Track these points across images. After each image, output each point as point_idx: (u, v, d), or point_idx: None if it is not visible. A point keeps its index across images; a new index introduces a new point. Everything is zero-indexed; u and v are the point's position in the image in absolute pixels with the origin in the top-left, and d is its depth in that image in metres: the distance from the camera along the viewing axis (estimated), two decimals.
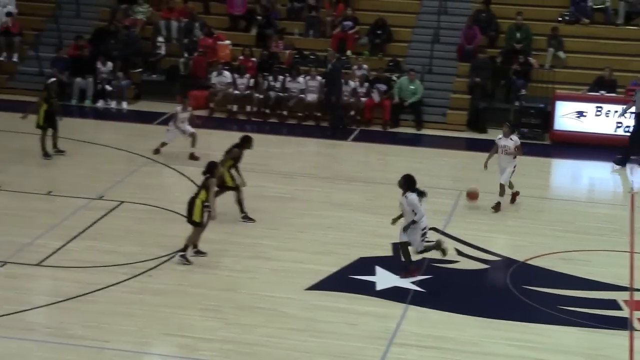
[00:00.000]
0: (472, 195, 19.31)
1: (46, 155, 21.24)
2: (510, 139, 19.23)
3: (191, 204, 16.21)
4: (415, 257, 16.19)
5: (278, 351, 13.62)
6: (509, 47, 26.45)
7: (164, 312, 14.62)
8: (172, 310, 14.68)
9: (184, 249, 16.32)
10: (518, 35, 26.54)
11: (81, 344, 13.53)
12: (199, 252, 16.54)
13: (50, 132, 21.34)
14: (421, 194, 15.92)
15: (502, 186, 19.23)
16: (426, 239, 16.10)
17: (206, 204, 16.15)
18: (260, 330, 14.19)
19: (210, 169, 16.44)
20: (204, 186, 16.21)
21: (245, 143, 18.50)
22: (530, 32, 26.67)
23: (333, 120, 25.10)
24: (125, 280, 15.61)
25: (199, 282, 15.73)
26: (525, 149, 20.01)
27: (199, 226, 16.29)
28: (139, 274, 15.88)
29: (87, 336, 13.69)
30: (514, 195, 19.74)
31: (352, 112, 25.45)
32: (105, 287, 15.33)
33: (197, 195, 16.22)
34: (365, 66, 26.31)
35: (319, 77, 25.78)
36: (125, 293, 15.20)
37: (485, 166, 19.37)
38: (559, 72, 25.93)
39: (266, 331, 14.16)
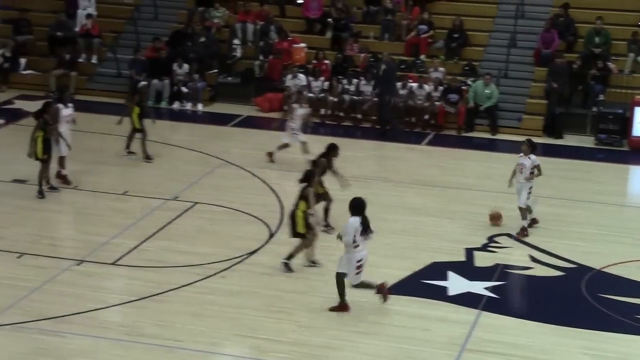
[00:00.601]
0: (494, 217, 18.50)
1: (148, 158, 21.50)
2: (529, 157, 17.96)
3: (293, 217, 16.07)
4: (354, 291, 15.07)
5: (349, 355, 13.59)
6: (588, 52, 26.07)
7: (236, 313, 14.68)
8: (244, 311, 14.73)
9: (289, 257, 16.20)
10: (597, 40, 26.14)
11: (153, 343, 13.64)
12: (313, 263, 16.40)
13: (137, 134, 21.51)
14: (365, 229, 14.47)
15: (521, 210, 18.01)
16: (361, 275, 14.71)
17: (310, 212, 16.06)
18: (331, 333, 14.16)
19: (308, 177, 16.36)
20: (303, 196, 16.10)
21: (332, 151, 18.47)
22: (609, 37, 26.26)
23: (383, 120, 25.01)
24: (198, 281, 15.71)
25: (271, 284, 15.75)
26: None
27: (304, 237, 16.18)
28: (212, 275, 15.96)
29: (159, 335, 13.80)
30: (532, 222, 18.34)
31: (427, 116, 25.31)
32: (178, 287, 15.44)
33: (296, 206, 16.08)
34: (441, 69, 26.14)
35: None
36: (197, 293, 15.30)
37: (509, 184, 18.24)
38: (638, 77, 25.49)
39: (337, 334, 14.13)
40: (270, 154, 21.76)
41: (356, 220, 14.39)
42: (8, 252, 16.53)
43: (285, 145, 21.80)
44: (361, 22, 28.44)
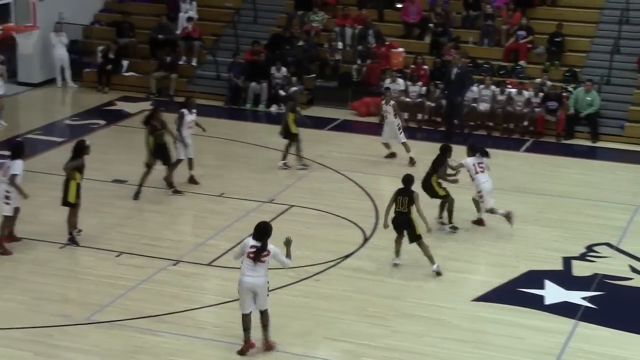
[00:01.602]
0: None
1: (304, 165, 21.61)
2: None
3: (409, 222, 16.18)
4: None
5: None
6: None
7: (330, 316, 14.68)
8: (338, 315, 14.72)
9: (432, 262, 16.24)
10: None
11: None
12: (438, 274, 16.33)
13: (288, 141, 21.65)
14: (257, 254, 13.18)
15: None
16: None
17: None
18: (425, 339, 14.07)
19: (409, 181, 16.31)
20: (411, 201, 16.11)
21: (447, 152, 18.45)
22: None
23: (450, 123, 24.78)
24: (292, 284, 15.75)
25: (365, 288, 15.72)
26: None
27: (419, 239, 16.25)
28: (306, 278, 15.99)
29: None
30: (479, 221, 18.42)
31: (526, 123, 24.98)
32: (272, 290, 15.43)
33: (409, 211, 16.13)
34: (546, 75, 25.74)
35: (492, 87, 25.43)
36: (291, 296, 15.34)
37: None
38: None
39: (431, 341, 14.03)
40: (411, 160, 21.84)
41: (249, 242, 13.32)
42: (108, 251, 16.82)
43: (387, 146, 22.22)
44: (460, 27, 28.22)
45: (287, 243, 13.60)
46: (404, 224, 16.22)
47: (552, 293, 15.69)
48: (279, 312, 14.68)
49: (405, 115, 25.51)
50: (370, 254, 16.97)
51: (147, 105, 26.13)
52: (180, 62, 28.18)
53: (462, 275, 16.28)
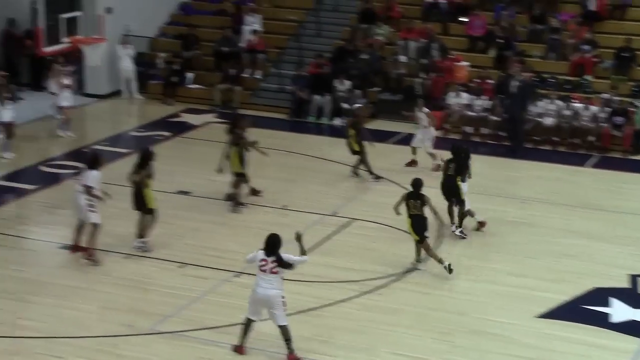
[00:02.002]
0: None
1: (376, 177, 21.68)
2: None
3: (425, 222, 16.77)
4: None
5: None
6: None
7: (393, 331, 14.62)
8: (401, 329, 14.66)
9: (441, 262, 16.59)
10: None
11: (310, 358, 13.69)
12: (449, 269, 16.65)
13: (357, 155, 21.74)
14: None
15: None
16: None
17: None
18: (489, 356, 13.95)
19: (420, 185, 16.90)
20: (424, 203, 16.73)
21: (469, 156, 18.93)
22: None
23: (514, 136, 24.53)
24: (355, 297, 15.71)
25: (428, 303, 15.64)
26: None
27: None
28: (369, 292, 15.95)
29: (316, 350, 13.85)
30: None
31: (592, 138, 24.71)
32: (335, 303, 15.48)
33: (423, 213, 16.73)
34: (613, 90, 25.45)
35: (558, 101, 25.21)
36: (355, 310, 15.30)
37: None
38: None
39: (495, 357, 13.91)
40: (437, 167, 21.74)
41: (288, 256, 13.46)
42: (172, 262, 16.93)
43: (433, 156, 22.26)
44: (526, 41, 28.02)
45: (298, 238, 13.69)
46: (424, 226, 16.67)
47: (619, 311, 15.47)
48: (342, 325, 14.68)
49: (470, 129, 25.46)
50: (432, 268, 16.87)
51: (211, 117, 26.40)
52: (245, 75, 28.35)
53: (525, 291, 16.12)
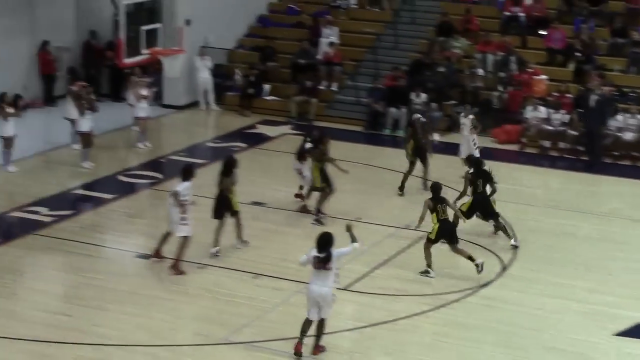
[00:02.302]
0: None
1: (401, 189, 21.58)
2: None
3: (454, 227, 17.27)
4: None
5: None
6: None
7: (465, 346, 14.50)
8: (474, 344, 14.53)
9: (472, 259, 16.81)
10: None
11: None
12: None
13: (420, 167, 21.71)
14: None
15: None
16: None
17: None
18: None
19: (440, 188, 17.14)
20: (447, 205, 17.13)
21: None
22: None
23: (592, 151, 24.16)
24: (428, 311, 15.62)
25: (503, 318, 15.48)
26: None
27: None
28: (442, 306, 15.83)
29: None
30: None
31: None
32: (408, 316, 15.40)
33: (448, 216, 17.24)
34: None
35: (638, 116, 24.81)
36: (428, 324, 15.22)
37: None
38: None
39: None
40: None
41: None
42: (246, 273, 17.00)
43: None
44: (606, 55, 27.63)
45: (349, 229, 14.20)
46: (452, 231, 16.97)
47: None
48: (415, 340, 14.60)
49: (547, 143, 25.18)
50: (508, 284, 16.72)
51: (286, 129, 26.49)
52: (321, 87, 28.40)
53: (605, 308, 15.86)
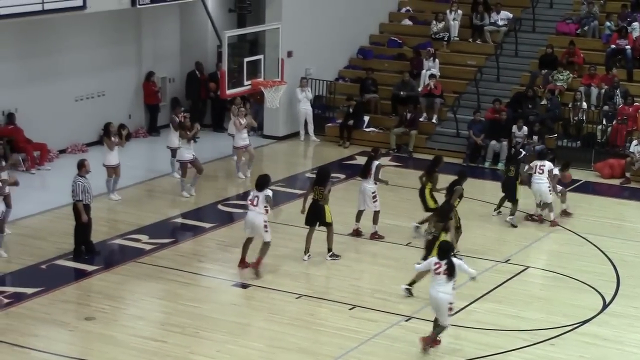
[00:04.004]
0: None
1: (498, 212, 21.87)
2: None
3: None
4: None
5: None
6: None
7: None
8: None
9: None
10: None
11: None
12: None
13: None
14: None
15: None
16: None
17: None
18: None
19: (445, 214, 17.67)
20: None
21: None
22: None
23: None
24: (525, 347, 15.38)
25: (603, 356, 15.19)
26: None
27: None
28: (540, 342, 15.57)
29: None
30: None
31: None
32: (504, 352, 15.19)
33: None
34: None
35: None
36: (524, 359, 14.95)
37: None
38: None
39: None
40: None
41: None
42: (342, 304, 16.97)
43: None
44: None
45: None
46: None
47: None
48: None
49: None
50: (609, 321, 16.37)
51: (386, 161, 26.42)
52: (421, 119, 28.32)
53: None
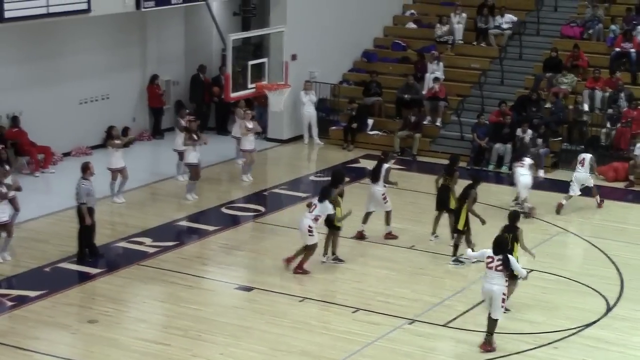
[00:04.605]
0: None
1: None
2: None
3: None
4: None
5: None
6: None
7: None
8: None
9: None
10: None
11: None
12: None
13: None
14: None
15: None
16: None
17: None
18: None
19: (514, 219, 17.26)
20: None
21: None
22: None
23: None
24: (528, 350, 15.37)
25: (605, 358, 15.16)
26: None
27: None
28: (543, 345, 15.55)
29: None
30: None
31: None
32: (507, 355, 15.18)
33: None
34: None
35: None
36: None
37: None
38: None
39: None
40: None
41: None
42: (345, 307, 16.97)
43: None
44: None
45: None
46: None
47: None
48: None
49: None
50: (613, 324, 16.35)
51: (390, 164, 26.37)
52: (425, 122, 28.31)
53: None
